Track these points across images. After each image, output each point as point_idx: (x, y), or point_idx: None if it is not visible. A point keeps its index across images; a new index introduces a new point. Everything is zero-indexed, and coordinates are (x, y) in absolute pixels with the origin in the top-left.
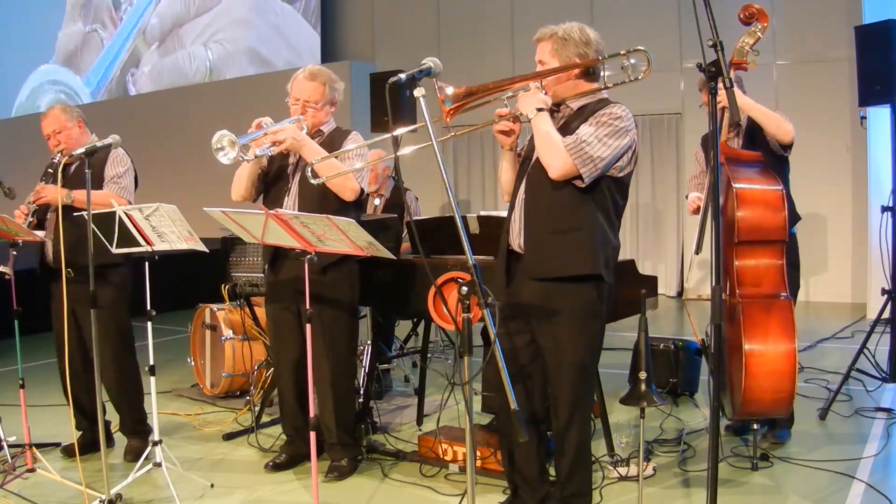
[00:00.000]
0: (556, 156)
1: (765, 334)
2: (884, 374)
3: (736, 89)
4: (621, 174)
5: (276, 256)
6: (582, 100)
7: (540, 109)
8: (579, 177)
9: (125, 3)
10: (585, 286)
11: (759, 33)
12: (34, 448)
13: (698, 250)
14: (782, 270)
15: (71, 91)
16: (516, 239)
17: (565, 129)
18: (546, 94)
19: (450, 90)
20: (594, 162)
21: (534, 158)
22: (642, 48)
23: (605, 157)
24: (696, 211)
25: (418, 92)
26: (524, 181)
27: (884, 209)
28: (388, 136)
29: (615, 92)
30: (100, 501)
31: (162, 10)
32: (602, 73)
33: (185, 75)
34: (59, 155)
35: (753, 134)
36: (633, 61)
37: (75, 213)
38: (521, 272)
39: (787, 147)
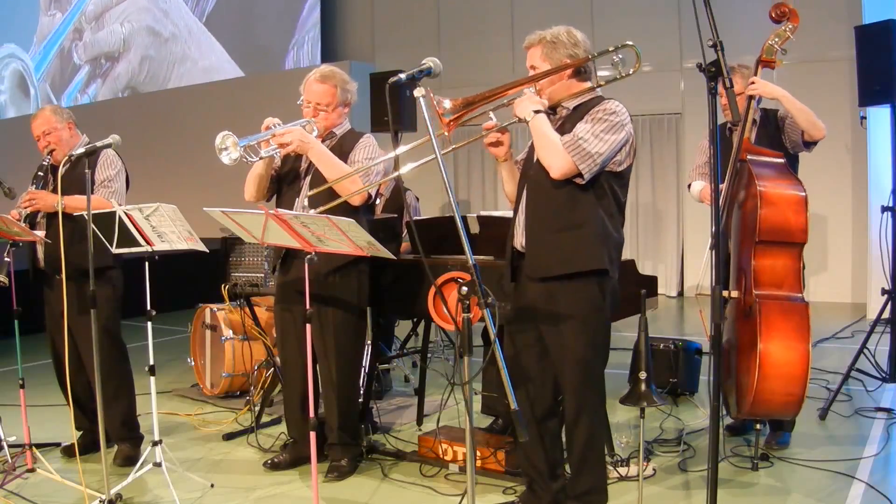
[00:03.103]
0: (555, 155)
1: (781, 337)
2: (884, 374)
3: (768, 85)
4: (620, 168)
5: (286, 257)
6: (577, 100)
7: (537, 111)
8: (579, 174)
9: None
10: (588, 282)
11: (788, 33)
12: (34, 448)
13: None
14: (800, 273)
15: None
16: (519, 239)
17: (563, 129)
18: (541, 97)
19: (447, 103)
20: (592, 158)
21: (535, 160)
22: (630, 43)
23: (602, 152)
24: (705, 200)
25: (418, 92)
26: (527, 183)
27: (884, 209)
28: (395, 153)
29: (616, 91)
30: (100, 501)
31: None
32: (594, 72)
33: (108, 44)
34: (49, 157)
35: (768, 130)
36: (621, 57)
37: (74, 215)
38: (524, 272)
39: (813, 144)
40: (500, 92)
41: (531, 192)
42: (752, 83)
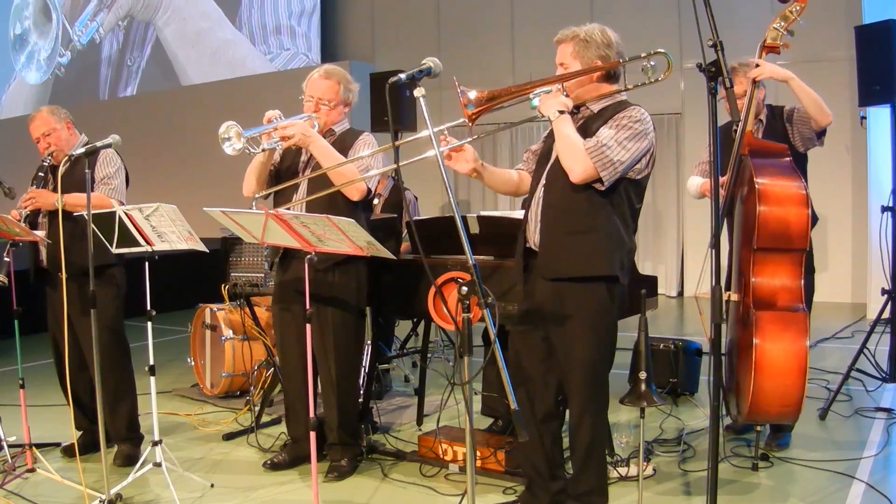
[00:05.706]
0: (578, 160)
1: (777, 350)
2: (884, 374)
3: (773, 66)
4: (639, 176)
5: (285, 256)
6: (602, 102)
7: (561, 112)
8: (599, 180)
9: None
10: (597, 286)
11: (795, 14)
12: (34, 448)
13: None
14: (801, 282)
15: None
16: (532, 236)
17: (585, 130)
18: (567, 96)
19: (472, 94)
20: (614, 165)
21: (552, 158)
22: (662, 51)
23: (624, 160)
24: (706, 193)
25: (418, 92)
26: (543, 180)
27: (884, 209)
28: (398, 143)
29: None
30: (100, 501)
31: None
32: (622, 75)
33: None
34: (50, 158)
35: (775, 129)
36: (653, 63)
37: (75, 214)
38: (535, 270)
39: (821, 134)
40: (528, 89)
41: (548, 189)
42: (757, 66)
